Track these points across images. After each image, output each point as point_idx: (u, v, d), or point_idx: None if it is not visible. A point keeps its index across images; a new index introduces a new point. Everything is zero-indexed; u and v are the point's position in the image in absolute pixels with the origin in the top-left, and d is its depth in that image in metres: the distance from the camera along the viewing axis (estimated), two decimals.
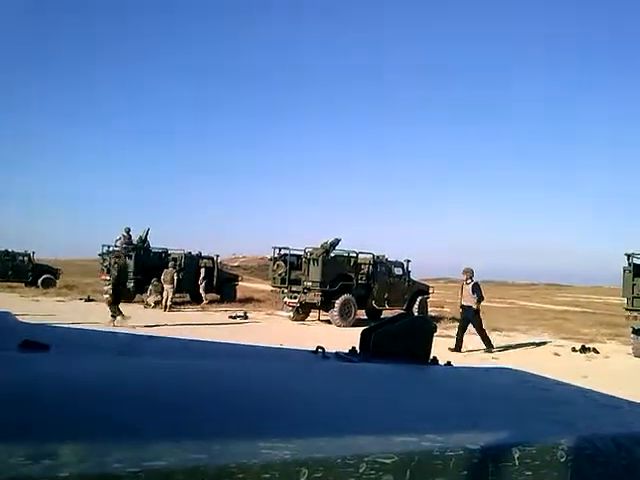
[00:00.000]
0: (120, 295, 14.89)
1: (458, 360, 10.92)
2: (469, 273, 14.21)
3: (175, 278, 19.58)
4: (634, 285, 13.72)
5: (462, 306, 14.14)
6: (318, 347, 1.34)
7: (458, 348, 13.13)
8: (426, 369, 1.24)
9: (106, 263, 21.59)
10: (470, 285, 13.87)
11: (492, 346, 13.55)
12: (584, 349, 14.16)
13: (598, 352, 13.98)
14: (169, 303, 19.37)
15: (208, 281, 22.00)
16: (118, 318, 14.41)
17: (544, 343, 15.44)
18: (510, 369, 1.46)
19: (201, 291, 21.74)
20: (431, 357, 1.32)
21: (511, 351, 14.16)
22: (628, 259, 14.04)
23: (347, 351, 1.34)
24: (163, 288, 19.74)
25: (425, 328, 1.29)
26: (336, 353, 1.33)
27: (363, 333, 1.34)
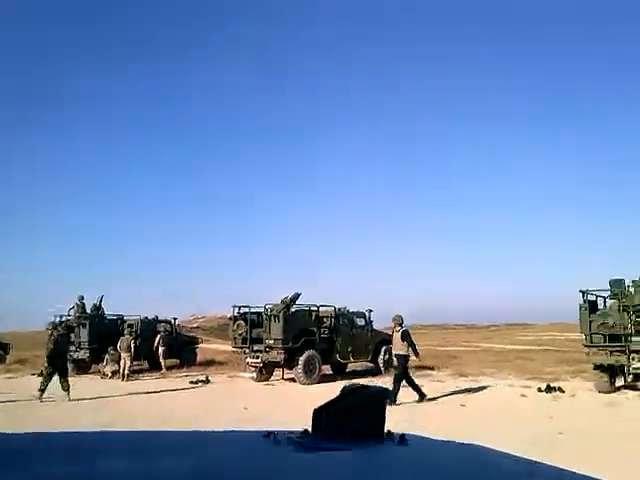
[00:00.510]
0: (56, 369, 14.01)
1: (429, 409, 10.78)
2: (398, 320, 13.93)
3: (132, 345, 18.96)
4: (591, 322, 13.94)
5: (395, 355, 13.74)
6: (269, 432, 1.27)
7: (394, 400, 12.21)
8: (379, 451, 1.15)
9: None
10: (399, 332, 13.55)
11: (424, 395, 13.15)
12: (549, 389, 14.22)
13: (563, 391, 14.06)
14: (127, 372, 18.70)
15: (167, 347, 21.22)
16: (68, 392, 13.74)
17: (510, 385, 15.44)
18: (470, 446, 1.39)
19: (160, 358, 20.86)
20: (385, 430, 1.23)
21: (479, 395, 14.10)
22: (583, 296, 14.31)
23: (300, 433, 1.24)
24: (120, 357, 19.09)
25: (377, 402, 1.21)
26: (287, 437, 1.23)
27: (315, 412, 1.25)
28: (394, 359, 13.89)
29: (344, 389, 1.29)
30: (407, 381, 13.26)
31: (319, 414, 1.23)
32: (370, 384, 1.29)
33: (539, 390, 14.22)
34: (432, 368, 19.71)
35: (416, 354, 13.73)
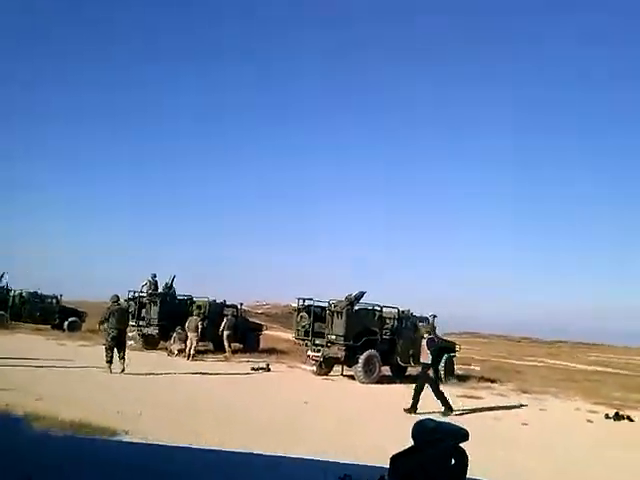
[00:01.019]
0: (114, 340, 14.43)
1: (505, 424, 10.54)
2: (427, 328, 13.57)
3: (199, 326, 19.48)
4: None
5: (423, 365, 12.88)
6: (345, 475, 1.26)
7: (448, 407, 12.09)
8: None
9: (131, 309, 21.71)
10: (426, 340, 12.91)
11: (451, 408, 12.19)
12: (618, 416, 13.61)
13: (633, 420, 13.44)
14: (192, 352, 19.23)
15: (232, 331, 21.74)
16: (124, 364, 14.20)
17: (577, 409, 14.89)
18: None
19: (225, 342, 21.31)
20: None
21: (542, 415, 13.68)
22: None
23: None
24: (187, 336, 19.68)
25: (458, 457, 1.20)
26: None
27: (392, 459, 1.25)
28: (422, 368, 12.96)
29: (416, 428, 1.28)
30: (434, 390, 12.37)
31: (396, 462, 1.23)
32: (446, 423, 1.27)
33: (606, 417, 13.63)
34: (494, 381, 19.28)
35: (428, 367, 12.62)
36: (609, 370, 37.81)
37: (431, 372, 12.58)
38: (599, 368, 39.58)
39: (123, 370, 14.03)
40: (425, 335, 13.24)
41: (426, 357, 12.66)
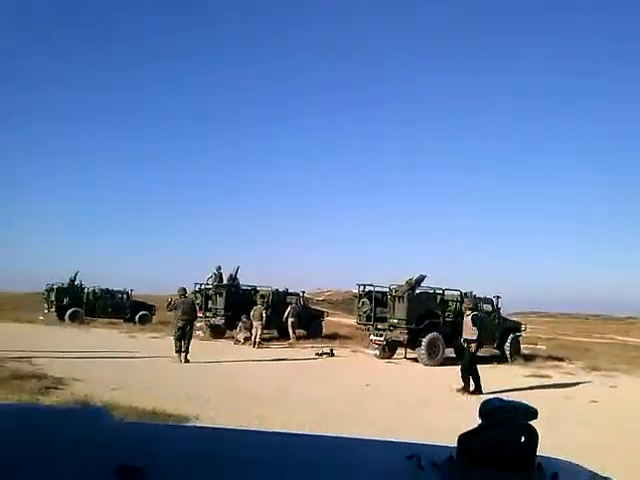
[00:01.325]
0: (180, 330, 14.86)
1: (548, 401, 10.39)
2: (469, 304, 13.39)
3: (264, 315, 20.02)
4: None
5: (464, 340, 12.76)
6: (413, 455, 1.28)
7: (478, 389, 11.95)
8: None
9: (198, 300, 22.40)
10: (470, 317, 12.75)
11: (481, 390, 11.90)
12: None
13: None
14: (258, 340, 19.76)
15: (296, 318, 22.21)
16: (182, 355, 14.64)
17: None
18: None
19: (289, 329, 21.91)
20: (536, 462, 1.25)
21: (612, 391, 13.37)
22: None
23: (445, 459, 1.27)
24: (252, 325, 20.19)
25: (528, 435, 1.24)
26: (432, 463, 1.23)
27: (460, 438, 1.29)
28: (463, 345, 12.92)
29: (484, 406, 1.32)
30: (471, 369, 12.24)
31: (465, 442, 1.26)
32: (514, 401, 1.34)
33: None
34: (562, 360, 18.91)
35: (477, 346, 12.57)
36: None
37: (473, 347, 12.49)
38: None
39: (186, 360, 14.52)
40: (468, 312, 13.10)
41: (469, 333, 12.56)
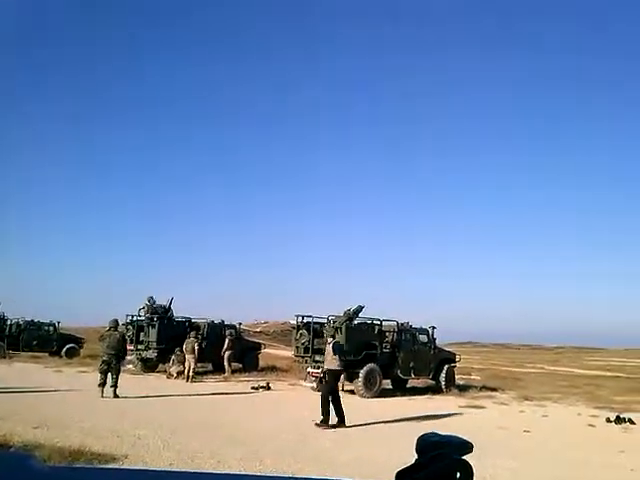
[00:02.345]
0: (107, 364, 14.32)
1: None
2: (330, 331, 13.07)
3: (197, 348, 19.46)
4: None
5: (327, 370, 12.14)
6: None
7: (341, 421, 11.28)
8: None
9: (129, 333, 21.65)
10: (331, 345, 12.34)
11: (343, 421, 11.30)
12: (619, 420, 13.62)
13: (634, 423, 13.44)
14: (191, 373, 19.19)
15: (233, 351, 21.76)
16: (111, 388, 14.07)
17: (578, 414, 14.89)
18: None
19: (225, 362, 21.42)
20: None
21: (543, 421, 13.68)
22: None
23: None
24: (185, 358, 19.62)
25: (463, 471, 1.23)
26: None
27: (398, 474, 1.26)
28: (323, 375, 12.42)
29: (420, 442, 1.30)
30: (333, 399, 11.49)
31: (402, 478, 1.24)
32: (450, 436, 1.30)
33: (608, 420, 13.66)
34: (495, 390, 19.28)
35: (337, 375, 12.14)
36: (610, 374, 37.78)
37: (329, 378, 11.97)
38: (600, 372, 39.55)
39: (115, 395, 13.92)
40: (329, 339, 12.77)
41: (331, 362, 12.04)
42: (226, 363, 21.33)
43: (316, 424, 11.12)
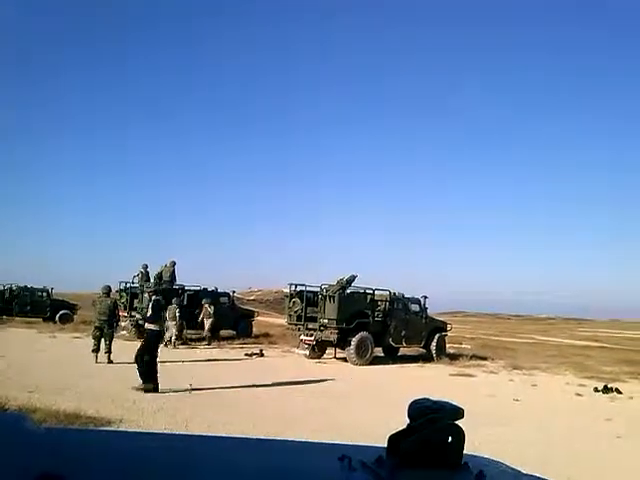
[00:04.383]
0: (99, 330, 14.44)
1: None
2: (148, 288, 12.46)
3: (177, 314, 19.40)
4: None
5: (145, 330, 11.65)
6: (344, 456, 1.27)
7: (154, 387, 10.59)
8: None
9: (123, 299, 21.68)
10: (152, 303, 11.50)
11: (157, 386, 10.63)
12: (606, 389, 13.87)
13: (621, 392, 13.70)
14: (173, 340, 19.28)
15: (218, 319, 21.20)
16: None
17: (567, 383, 15.15)
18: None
19: (205, 331, 20.89)
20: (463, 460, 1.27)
21: (533, 390, 13.90)
22: None
23: (374, 460, 1.27)
24: (181, 324, 19.73)
25: (455, 435, 1.25)
26: (362, 463, 1.24)
27: (390, 439, 1.29)
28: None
29: (412, 407, 1.32)
30: (149, 363, 10.75)
31: (394, 442, 1.27)
32: (442, 402, 1.33)
33: (595, 390, 13.90)
34: (486, 359, 19.53)
35: (156, 336, 11.31)
36: (598, 344, 38.31)
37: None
38: (588, 343, 40.09)
39: (110, 361, 14.11)
40: (152, 297, 11.89)
41: (150, 321, 11.27)
42: (206, 331, 20.85)
43: (135, 388, 10.45)
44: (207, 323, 21.04)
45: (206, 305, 21.23)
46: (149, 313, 11.41)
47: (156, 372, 10.81)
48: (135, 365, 10.91)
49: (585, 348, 32.76)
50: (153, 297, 11.81)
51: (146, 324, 11.54)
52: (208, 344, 20.41)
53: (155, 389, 10.60)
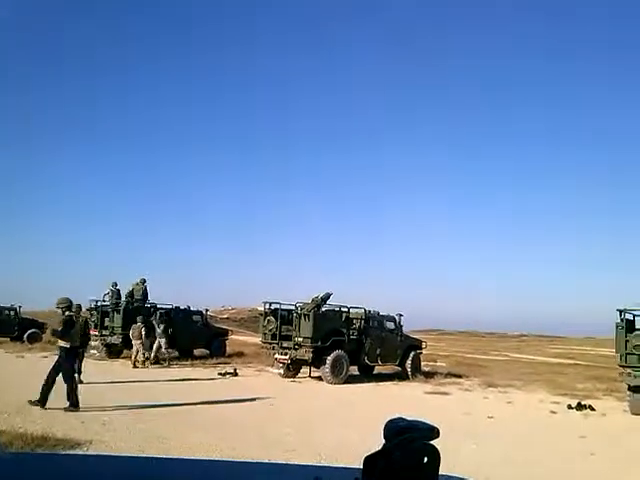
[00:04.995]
0: None
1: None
2: (64, 302, 10.92)
3: (143, 333, 19.08)
4: (627, 341, 13.64)
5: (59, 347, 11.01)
6: (316, 477, 1.23)
7: (42, 401, 10.15)
8: None
9: (94, 318, 21.32)
10: (62, 319, 10.82)
11: (44, 403, 10.12)
12: (580, 406, 13.94)
13: (594, 409, 13.78)
14: (139, 358, 18.96)
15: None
16: None
17: (540, 400, 15.21)
18: None
19: (137, 352, 19.40)
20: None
21: (507, 408, 13.93)
22: (620, 315, 13.98)
23: None
24: (152, 344, 19.41)
25: (430, 456, 1.21)
26: None
27: (366, 460, 1.24)
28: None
29: (388, 427, 1.28)
30: (52, 380, 10.40)
31: (370, 463, 1.22)
32: (417, 421, 1.28)
33: (569, 407, 13.96)
34: (461, 376, 19.56)
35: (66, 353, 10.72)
36: (571, 362, 38.71)
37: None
38: (562, 360, 40.47)
39: (80, 381, 13.67)
40: (66, 313, 10.98)
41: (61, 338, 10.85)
42: (139, 352, 19.37)
43: (30, 402, 10.06)
44: (136, 344, 19.30)
45: (141, 324, 19.45)
46: (59, 328, 10.75)
47: (75, 388, 10.50)
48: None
49: (558, 365, 33.08)
50: (66, 313, 10.91)
51: (59, 341, 10.94)
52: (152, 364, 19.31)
53: (73, 405, 10.19)
